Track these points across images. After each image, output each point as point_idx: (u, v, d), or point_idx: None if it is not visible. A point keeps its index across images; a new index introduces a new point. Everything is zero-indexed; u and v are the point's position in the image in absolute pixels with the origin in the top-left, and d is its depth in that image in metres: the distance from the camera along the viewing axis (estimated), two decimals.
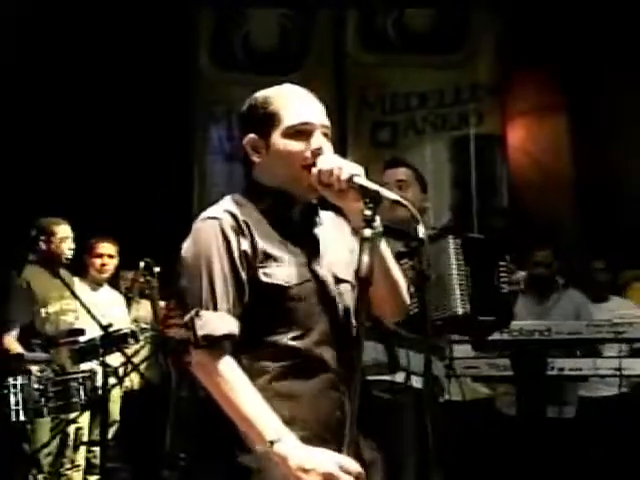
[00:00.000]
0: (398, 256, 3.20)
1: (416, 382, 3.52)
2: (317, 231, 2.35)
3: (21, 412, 4.68)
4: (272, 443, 2.03)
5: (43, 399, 4.77)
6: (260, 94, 2.35)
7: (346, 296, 2.31)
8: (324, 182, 2.20)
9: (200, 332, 2.12)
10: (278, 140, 2.27)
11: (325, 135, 2.29)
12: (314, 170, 2.21)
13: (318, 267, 2.28)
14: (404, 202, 2.12)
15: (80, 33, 7.10)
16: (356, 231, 2.23)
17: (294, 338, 2.19)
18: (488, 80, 7.53)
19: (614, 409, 5.32)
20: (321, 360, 2.22)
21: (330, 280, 2.29)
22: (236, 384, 2.09)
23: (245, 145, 2.32)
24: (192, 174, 7.74)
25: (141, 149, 7.17)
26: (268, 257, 2.20)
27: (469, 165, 7.44)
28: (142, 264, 5.42)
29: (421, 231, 2.08)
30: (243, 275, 2.19)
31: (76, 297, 5.20)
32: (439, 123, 7.64)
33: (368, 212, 2.07)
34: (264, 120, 2.29)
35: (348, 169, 2.16)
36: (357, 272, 2.04)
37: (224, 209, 2.25)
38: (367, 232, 2.05)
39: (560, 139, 7.50)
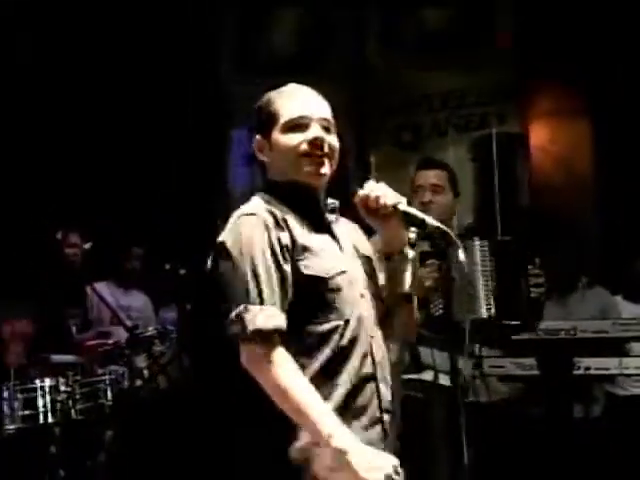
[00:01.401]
0: (424, 256, 3.21)
1: (444, 380, 3.53)
2: (338, 227, 2.42)
3: (49, 414, 4.71)
4: (330, 436, 2.05)
5: (71, 401, 4.80)
6: (265, 96, 2.42)
7: (370, 289, 2.38)
8: (371, 207, 2.29)
9: (250, 327, 2.13)
10: (277, 136, 2.35)
11: (325, 128, 2.35)
12: (360, 193, 2.31)
13: (349, 258, 2.36)
14: (445, 229, 2.22)
15: (103, 44, 7.15)
16: (392, 253, 2.35)
17: (334, 327, 2.24)
18: (510, 80, 7.49)
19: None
20: (359, 346, 2.27)
21: (361, 271, 2.37)
22: (290, 376, 2.11)
23: (254, 147, 2.41)
24: (217, 179, 7.74)
25: (163, 154, 7.21)
26: (307, 250, 2.25)
27: (491, 166, 7.41)
28: (168, 266, 5.46)
29: (461, 257, 2.19)
30: (286, 268, 2.22)
31: (103, 300, 5.25)
32: (461, 124, 7.61)
33: (412, 236, 2.27)
34: (266, 120, 2.37)
35: (393, 197, 2.28)
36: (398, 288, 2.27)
37: (261, 206, 2.29)
38: (411, 253, 2.27)
39: (582, 138, 7.45)
